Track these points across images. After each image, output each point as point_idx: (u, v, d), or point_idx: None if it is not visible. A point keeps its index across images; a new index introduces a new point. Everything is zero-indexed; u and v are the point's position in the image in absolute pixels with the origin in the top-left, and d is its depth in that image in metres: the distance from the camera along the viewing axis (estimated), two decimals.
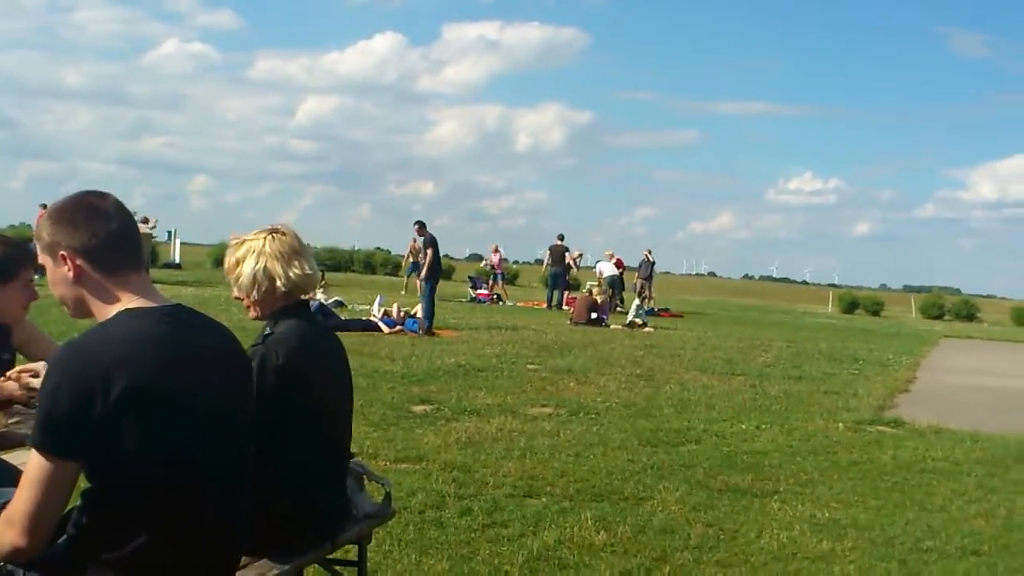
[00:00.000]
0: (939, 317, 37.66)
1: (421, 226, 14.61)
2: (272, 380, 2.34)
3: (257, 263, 2.48)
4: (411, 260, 27.88)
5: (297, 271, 2.50)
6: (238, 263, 2.51)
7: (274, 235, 2.53)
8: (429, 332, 12.91)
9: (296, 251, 2.53)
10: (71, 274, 1.81)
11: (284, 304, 2.52)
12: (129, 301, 1.82)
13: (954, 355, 17.36)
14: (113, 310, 1.81)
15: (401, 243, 29.18)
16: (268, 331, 2.49)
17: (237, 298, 2.57)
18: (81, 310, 1.86)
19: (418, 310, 13.58)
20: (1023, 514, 5.04)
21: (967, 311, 38.37)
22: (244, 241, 2.54)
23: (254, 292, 2.49)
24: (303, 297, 2.60)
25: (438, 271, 14.17)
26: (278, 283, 2.48)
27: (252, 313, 2.55)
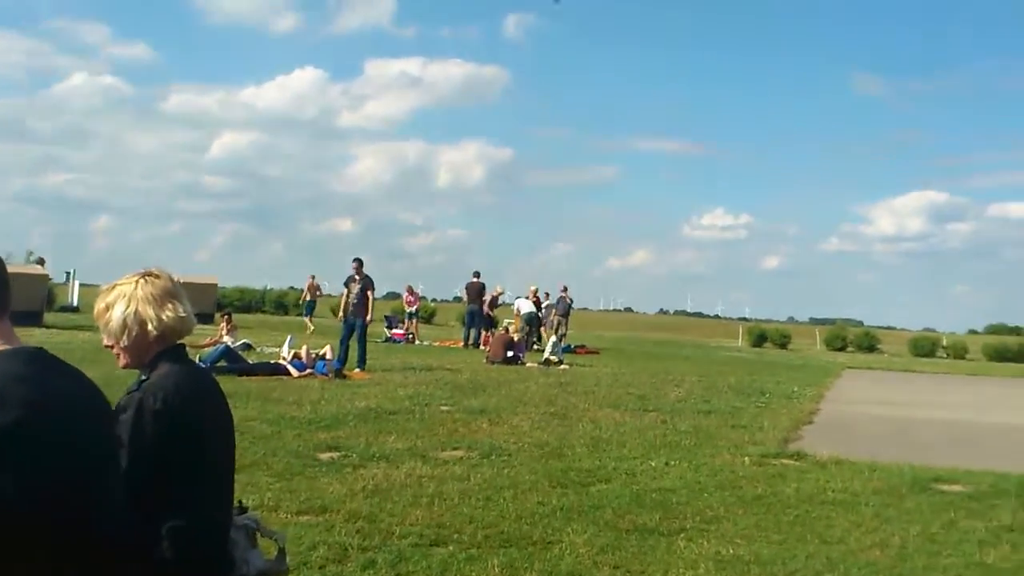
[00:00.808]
0: (842, 349, 39.24)
1: (360, 264, 14.49)
2: (150, 425, 2.25)
3: (128, 307, 2.40)
4: (308, 298, 27.54)
5: (170, 314, 2.43)
6: (108, 308, 2.43)
7: (147, 278, 2.46)
8: (340, 375, 12.70)
9: (169, 293, 2.46)
10: None
11: (158, 350, 2.43)
12: None
13: (856, 386, 18.03)
14: None
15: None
16: (144, 377, 2.40)
17: (107, 346, 2.47)
18: None
19: (327, 351, 13.39)
20: (915, 543, 5.22)
21: (868, 343, 40.18)
22: (115, 286, 2.47)
23: (124, 338, 2.41)
24: (179, 342, 2.51)
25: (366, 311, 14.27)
26: (149, 327, 2.40)
27: (122, 361, 2.46)
